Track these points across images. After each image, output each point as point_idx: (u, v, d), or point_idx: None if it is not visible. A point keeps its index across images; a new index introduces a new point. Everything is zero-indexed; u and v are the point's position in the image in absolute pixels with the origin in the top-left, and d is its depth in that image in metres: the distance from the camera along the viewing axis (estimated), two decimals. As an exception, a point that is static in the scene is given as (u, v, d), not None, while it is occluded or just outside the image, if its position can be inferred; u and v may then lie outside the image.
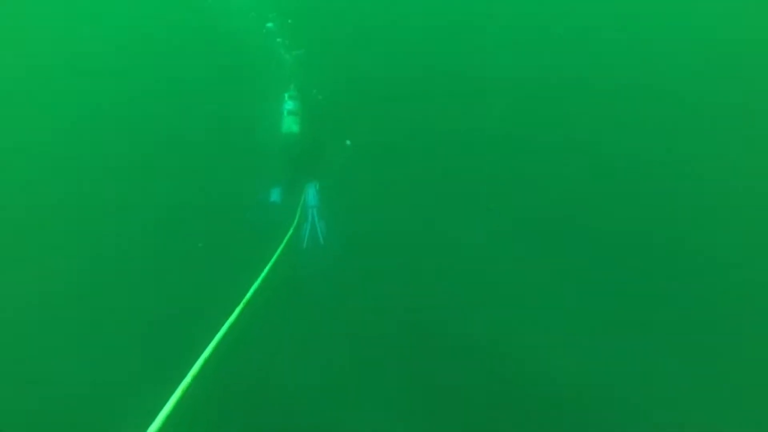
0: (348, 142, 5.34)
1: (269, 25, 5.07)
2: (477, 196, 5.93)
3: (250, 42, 5.18)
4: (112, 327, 4.42)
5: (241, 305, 3.12)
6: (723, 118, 6.55)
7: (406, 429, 3.82)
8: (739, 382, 4.25)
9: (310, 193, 4.97)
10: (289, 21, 5.11)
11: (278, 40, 5.09)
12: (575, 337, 4.59)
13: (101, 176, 5.93)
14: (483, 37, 7.10)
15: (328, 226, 4.89)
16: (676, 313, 4.84)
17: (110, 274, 5.03)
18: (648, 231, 5.58)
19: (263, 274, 3.70)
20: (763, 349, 4.44)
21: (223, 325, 2.75)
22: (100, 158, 6.07)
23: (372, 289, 4.96)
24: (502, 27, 7.20)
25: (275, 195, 4.85)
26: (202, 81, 6.45)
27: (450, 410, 4.02)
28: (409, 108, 6.47)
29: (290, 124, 4.77)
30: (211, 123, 6.08)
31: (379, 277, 5.10)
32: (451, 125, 6.41)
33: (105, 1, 7.05)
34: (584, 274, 5.19)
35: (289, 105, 4.82)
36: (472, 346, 4.50)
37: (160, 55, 6.76)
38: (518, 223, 5.66)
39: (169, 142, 6.07)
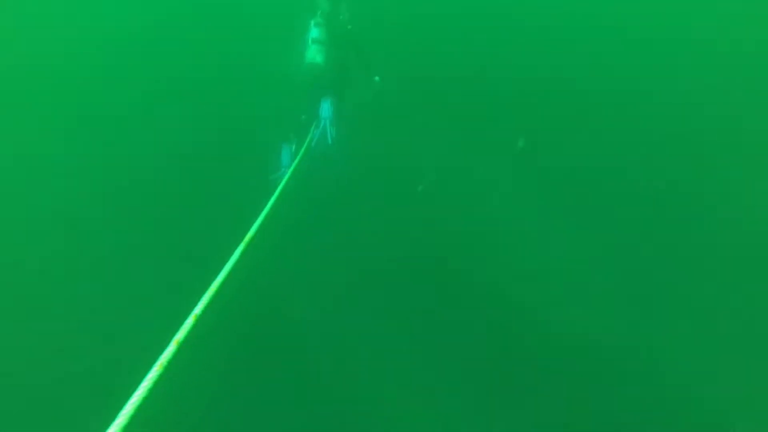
0: (377, 78, 5.04)
1: None
2: (504, 144, 5.60)
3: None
4: (123, 249, 4.61)
5: (252, 231, 3.03)
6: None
7: (406, 369, 3.85)
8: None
9: (325, 106, 4.72)
10: None
11: None
12: (585, 291, 4.47)
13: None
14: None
15: (339, 133, 4.74)
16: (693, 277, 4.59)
17: (117, 198, 5.18)
18: (672, 193, 5.27)
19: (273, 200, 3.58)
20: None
21: (230, 255, 2.70)
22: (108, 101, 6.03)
23: (379, 216, 5.00)
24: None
25: (285, 157, 4.62)
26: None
27: (453, 353, 4.01)
28: (447, 45, 6.09)
29: (314, 54, 4.48)
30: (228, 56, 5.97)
31: (390, 207, 5.11)
32: (489, 69, 6.01)
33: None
34: (602, 228, 4.98)
35: (314, 33, 4.51)
36: (478, 286, 4.46)
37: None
38: (542, 171, 5.43)
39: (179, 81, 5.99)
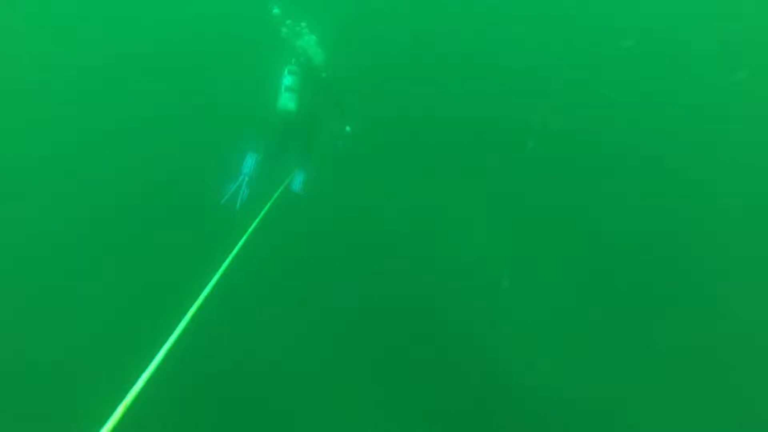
0: (348, 129, 4.99)
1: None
2: (480, 199, 5.66)
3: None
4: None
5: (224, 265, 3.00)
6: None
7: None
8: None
9: (297, 179, 4.78)
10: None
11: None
12: (563, 345, 4.56)
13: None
14: (501, 28, 7.03)
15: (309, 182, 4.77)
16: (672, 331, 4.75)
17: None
18: (648, 244, 5.50)
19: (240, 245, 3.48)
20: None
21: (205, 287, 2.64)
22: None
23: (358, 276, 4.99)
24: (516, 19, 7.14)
25: (248, 164, 4.55)
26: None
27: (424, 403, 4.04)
28: (423, 97, 6.26)
29: (287, 101, 4.42)
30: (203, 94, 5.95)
31: (366, 266, 5.10)
32: (461, 121, 6.16)
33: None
34: (581, 283, 5.09)
35: (287, 80, 4.45)
36: (454, 339, 4.52)
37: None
38: (518, 226, 5.53)
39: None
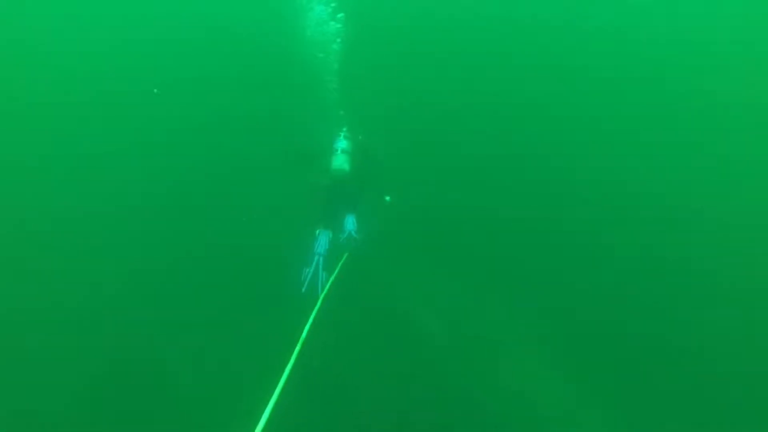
0: (387, 198, 5.10)
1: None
2: (508, 287, 5.65)
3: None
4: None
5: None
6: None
7: None
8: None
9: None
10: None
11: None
12: None
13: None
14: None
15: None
16: None
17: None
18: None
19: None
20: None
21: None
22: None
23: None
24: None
25: (322, 243, 4.58)
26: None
27: None
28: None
29: (342, 162, 4.57)
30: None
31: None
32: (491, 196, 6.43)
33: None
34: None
35: (343, 143, 4.67)
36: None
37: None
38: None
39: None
